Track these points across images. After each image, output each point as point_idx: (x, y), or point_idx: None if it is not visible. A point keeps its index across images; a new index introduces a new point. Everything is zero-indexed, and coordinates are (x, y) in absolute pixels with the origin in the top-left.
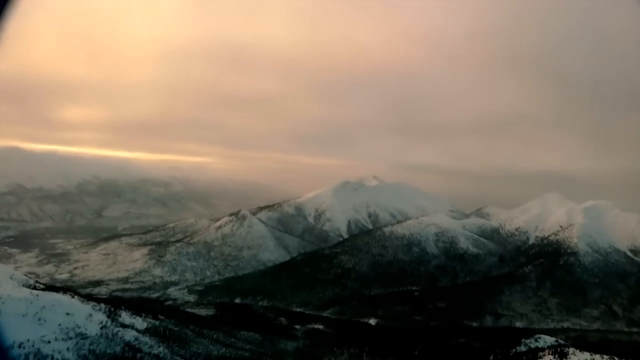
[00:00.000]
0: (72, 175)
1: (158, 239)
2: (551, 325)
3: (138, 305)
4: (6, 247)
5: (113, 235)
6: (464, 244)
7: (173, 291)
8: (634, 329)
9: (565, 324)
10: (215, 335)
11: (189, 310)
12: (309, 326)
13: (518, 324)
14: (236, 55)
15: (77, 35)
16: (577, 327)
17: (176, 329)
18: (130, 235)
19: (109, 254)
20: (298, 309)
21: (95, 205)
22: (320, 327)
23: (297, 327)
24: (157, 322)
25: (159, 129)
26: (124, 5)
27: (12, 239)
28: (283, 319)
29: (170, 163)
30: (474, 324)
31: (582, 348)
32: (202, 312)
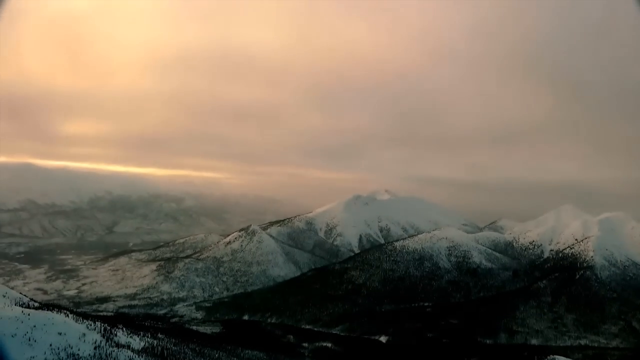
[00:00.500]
0: (84, 191)
1: (168, 255)
2: (568, 343)
3: (138, 324)
4: (16, 263)
5: (123, 251)
6: (477, 258)
7: (180, 307)
8: None
9: (583, 341)
10: (217, 355)
11: (194, 327)
12: (317, 344)
13: (534, 341)
14: (227, 63)
15: (65, 45)
16: (595, 345)
17: (175, 348)
18: (140, 251)
19: (117, 270)
20: (307, 326)
21: (106, 220)
22: (329, 344)
23: (305, 345)
24: (155, 342)
25: (163, 143)
26: (116, 15)
27: (22, 255)
28: (291, 337)
29: (183, 178)
30: (488, 341)
31: None
32: (209, 329)
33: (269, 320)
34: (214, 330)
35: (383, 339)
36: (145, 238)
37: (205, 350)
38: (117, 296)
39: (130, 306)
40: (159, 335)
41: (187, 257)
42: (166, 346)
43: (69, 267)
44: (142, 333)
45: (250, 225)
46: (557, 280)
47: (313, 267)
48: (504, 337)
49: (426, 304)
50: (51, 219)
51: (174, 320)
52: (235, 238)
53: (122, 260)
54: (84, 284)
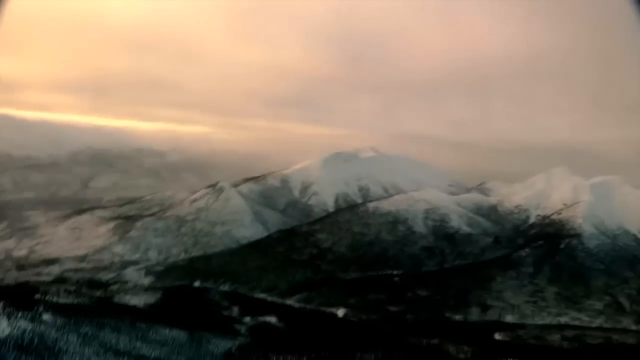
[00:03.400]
0: (65, 144)
1: (132, 212)
2: (547, 320)
3: (38, 299)
4: None
5: (88, 208)
6: (456, 222)
7: (130, 272)
8: None
9: (563, 319)
10: (115, 339)
11: (128, 297)
12: (261, 319)
13: (508, 318)
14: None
15: None
16: (577, 323)
17: (56, 334)
18: (104, 207)
19: (75, 229)
20: (261, 295)
21: (83, 175)
22: (273, 319)
23: (247, 319)
24: (31, 326)
25: (114, 89)
26: None
27: None
28: (236, 308)
29: (169, 133)
30: (457, 317)
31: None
32: (144, 299)
33: (221, 287)
34: (147, 302)
35: (340, 312)
36: (121, 194)
37: (102, 334)
38: (67, 257)
39: (75, 270)
40: (43, 318)
41: (149, 215)
42: (45, 332)
43: (29, 224)
44: (22, 313)
45: (219, 181)
46: (541, 248)
47: (283, 228)
48: (476, 312)
49: (395, 272)
50: (25, 173)
51: (113, 287)
52: (202, 195)
53: (84, 217)
54: (37, 244)
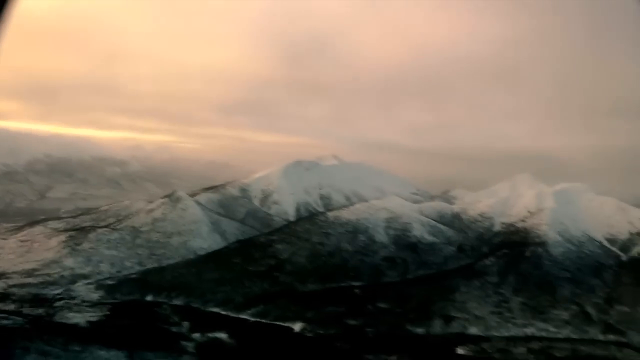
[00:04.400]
0: (21, 153)
1: (87, 223)
2: (512, 332)
3: None
4: None
5: (42, 220)
6: (418, 231)
7: (79, 286)
8: (611, 337)
9: (529, 330)
10: None
11: (71, 314)
12: (211, 335)
13: (472, 330)
14: None
15: None
16: (544, 334)
17: None
18: (58, 219)
19: (27, 241)
20: (215, 309)
21: (40, 185)
22: (224, 336)
23: (196, 336)
24: None
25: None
26: None
27: None
28: (186, 324)
29: (131, 141)
30: (419, 330)
31: None
32: (89, 316)
33: (174, 301)
34: (90, 319)
35: (297, 326)
36: (80, 204)
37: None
38: (14, 272)
39: (22, 285)
40: None
41: (103, 226)
42: None
43: None
44: None
45: (175, 190)
46: (506, 257)
47: (241, 238)
48: (439, 324)
49: (355, 283)
50: None
51: (58, 304)
52: (159, 205)
53: (37, 229)
54: None
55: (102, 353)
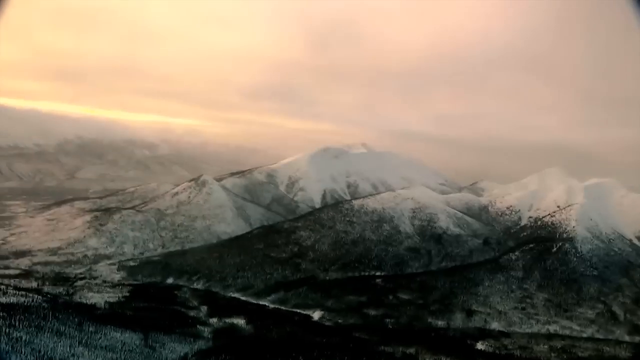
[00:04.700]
0: (53, 133)
1: (113, 204)
2: (535, 329)
3: None
4: None
5: (69, 199)
6: (444, 222)
7: (101, 266)
8: (637, 338)
9: (552, 328)
10: (51, 347)
11: (92, 294)
12: (228, 321)
13: (494, 325)
14: None
15: None
16: (567, 332)
17: None
18: (85, 199)
19: (53, 220)
20: (235, 294)
21: (70, 166)
22: (241, 322)
23: (213, 321)
24: None
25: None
26: None
27: None
28: (205, 308)
29: (161, 125)
30: (439, 323)
31: None
32: (108, 297)
33: (194, 285)
34: (109, 300)
35: (316, 315)
36: (108, 185)
37: (39, 339)
38: (39, 250)
39: (46, 263)
40: None
41: (129, 208)
42: None
43: (8, 214)
44: None
45: (202, 174)
46: (532, 252)
47: (265, 224)
48: (460, 318)
49: (377, 273)
50: (10, 162)
51: (79, 283)
52: (184, 189)
53: (64, 209)
54: (12, 234)
55: (117, 334)
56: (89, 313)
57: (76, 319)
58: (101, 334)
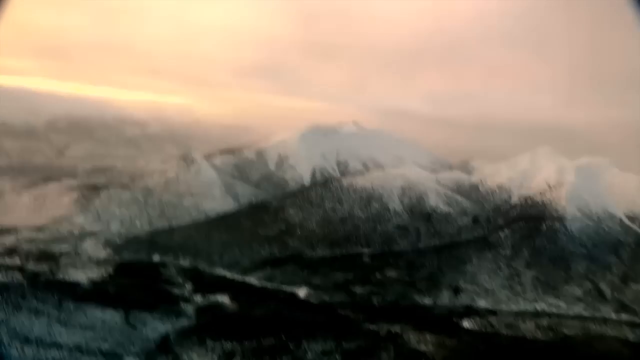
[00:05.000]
0: (42, 111)
1: (101, 182)
2: (522, 307)
3: None
4: None
5: (56, 177)
6: (433, 200)
7: (87, 244)
8: (624, 316)
9: (540, 306)
10: (28, 326)
11: (74, 270)
12: (212, 298)
13: (481, 303)
14: None
15: None
16: (554, 310)
17: None
18: (73, 176)
19: (39, 197)
20: (221, 271)
21: (60, 143)
22: (226, 299)
23: (197, 298)
24: None
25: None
26: None
27: None
28: (189, 285)
29: (151, 103)
30: (426, 301)
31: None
32: (91, 274)
33: (180, 262)
34: (92, 277)
35: (302, 292)
36: (98, 163)
37: (15, 319)
38: (24, 227)
39: (30, 240)
40: None
41: (117, 186)
42: None
43: None
44: None
45: (191, 152)
46: (521, 230)
47: (254, 201)
48: (447, 295)
49: (365, 250)
50: None
51: (63, 260)
52: (172, 166)
53: (51, 186)
54: None
55: (97, 313)
56: (71, 291)
57: (56, 297)
58: (81, 312)
